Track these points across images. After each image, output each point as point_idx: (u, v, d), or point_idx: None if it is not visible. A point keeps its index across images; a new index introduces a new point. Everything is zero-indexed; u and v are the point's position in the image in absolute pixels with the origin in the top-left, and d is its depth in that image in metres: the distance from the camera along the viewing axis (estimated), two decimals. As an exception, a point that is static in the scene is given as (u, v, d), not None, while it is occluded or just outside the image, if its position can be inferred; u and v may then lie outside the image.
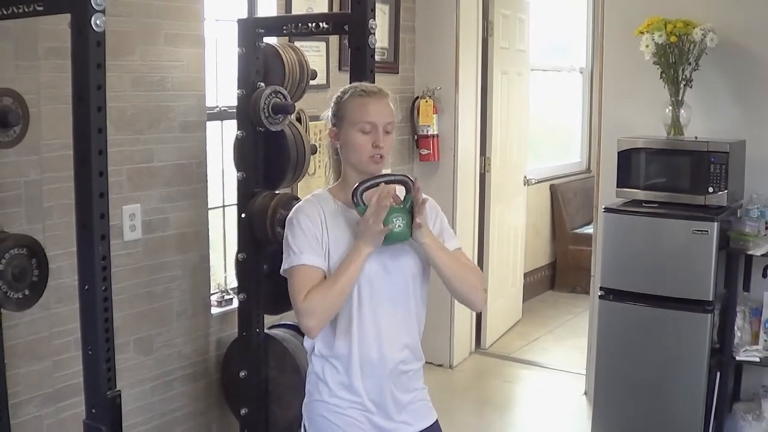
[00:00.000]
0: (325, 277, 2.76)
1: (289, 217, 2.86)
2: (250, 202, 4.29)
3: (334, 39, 5.50)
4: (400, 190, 2.81)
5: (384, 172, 2.87)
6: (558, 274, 9.32)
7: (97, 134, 2.58)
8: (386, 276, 2.81)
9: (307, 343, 2.93)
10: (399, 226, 2.70)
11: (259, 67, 4.30)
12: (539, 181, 8.64)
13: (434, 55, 6.48)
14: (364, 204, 2.70)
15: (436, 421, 3.00)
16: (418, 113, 6.44)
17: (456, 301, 6.32)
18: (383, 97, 2.87)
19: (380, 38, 5.90)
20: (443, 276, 2.84)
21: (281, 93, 4.20)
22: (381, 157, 2.80)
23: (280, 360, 4.42)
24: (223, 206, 5.06)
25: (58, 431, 3.96)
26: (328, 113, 2.94)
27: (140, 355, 4.35)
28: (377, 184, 2.75)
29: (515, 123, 7.50)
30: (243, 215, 4.33)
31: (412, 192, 2.73)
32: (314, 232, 2.78)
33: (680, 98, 5.00)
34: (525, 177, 7.87)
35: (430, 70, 6.50)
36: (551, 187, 9.22)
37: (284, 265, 2.82)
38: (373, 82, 3.55)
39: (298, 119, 4.57)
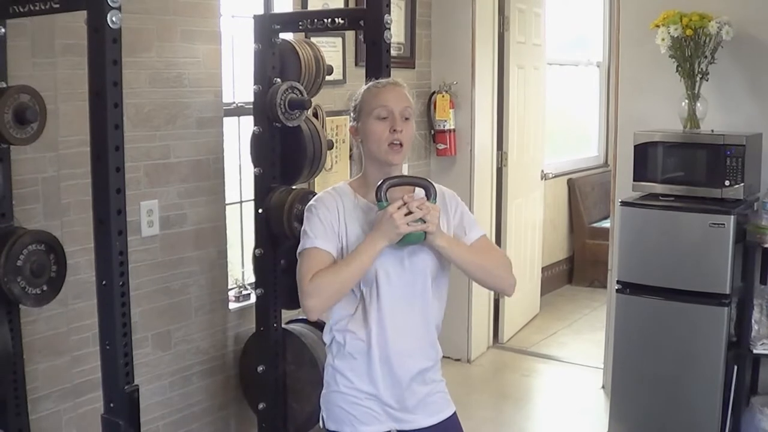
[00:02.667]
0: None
1: (308, 205, 2.87)
2: (267, 197, 4.31)
3: (350, 34, 5.50)
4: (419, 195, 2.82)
5: (404, 168, 2.89)
6: (576, 269, 9.30)
7: (114, 130, 2.59)
8: (404, 272, 2.82)
9: (325, 336, 2.95)
10: (416, 229, 2.71)
11: (276, 62, 4.31)
12: (557, 176, 8.64)
13: (450, 49, 6.47)
14: (387, 201, 2.71)
15: (454, 413, 3.01)
16: (435, 108, 6.44)
17: (473, 296, 6.42)
18: (398, 86, 2.90)
19: (396, 33, 5.92)
20: (468, 273, 2.88)
21: (297, 88, 4.22)
22: (400, 145, 2.81)
23: (297, 355, 4.44)
24: (241, 202, 5.07)
25: (76, 426, 3.99)
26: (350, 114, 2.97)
27: (158, 351, 4.37)
28: (404, 184, 2.78)
29: (532, 117, 7.49)
30: (260, 211, 4.35)
31: (432, 198, 2.75)
32: (330, 221, 2.79)
33: (696, 91, 4.98)
34: (542, 171, 7.87)
35: (447, 65, 6.49)
36: (569, 181, 9.21)
37: (298, 249, 2.83)
38: (389, 77, 3.56)
39: (315, 114, 4.58)
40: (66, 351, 3.91)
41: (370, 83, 2.95)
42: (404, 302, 2.83)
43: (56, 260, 3.30)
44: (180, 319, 4.47)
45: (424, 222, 2.69)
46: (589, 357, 6.69)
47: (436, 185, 2.86)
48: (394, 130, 2.79)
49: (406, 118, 2.83)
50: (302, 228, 2.84)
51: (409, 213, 2.67)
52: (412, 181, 2.84)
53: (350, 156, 5.44)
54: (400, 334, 2.82)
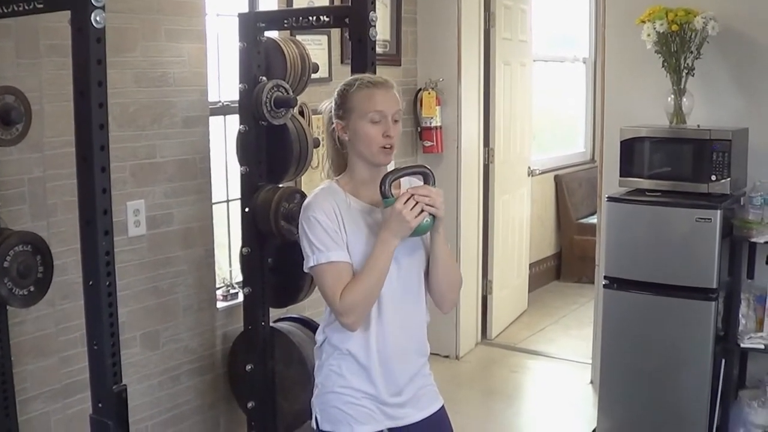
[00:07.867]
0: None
1: (304, 212, 2.82)
2: (254, 196, 4.30)
3: (335, 32, 5.50)
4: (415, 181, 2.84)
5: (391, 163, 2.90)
6: (563, 264, 9.32)
7: (99, 130, 2.57)
8: (401, 272, 2.82)
9: (318, 335, 2.95)
10: (425, 219, 2.71)
11: (261, 61, 4.30)
12: (543, 172, 8.65)
13: (436, 46, 6.48)
14: (393, 196, 2.70)
15: (443, 406, 3.02)
16: (421, 105, 6.44)
17: (461, 294, 6.41)
18: (390, 87, 2.87)
19: (382, 30, 5.91)
20: (436, 272, 2.87)
21: (283, 87, 4.21)
22: (391, 147, 2.80)
23: (286, 353, 4.44)
24: (227, 201, 5.06)
25: (65, 427, 3.98)
26: (330, 106, 2.91)
27: (147, 350, 4.36)
28: (404, 175, 2.79)
29: (518, 114, 7.50)
30: (247, 209, 4.34)
31: (431, 183, 2.75)
32: (334, 228, 2.76)
33: (682, 87, 5.00)
34: (529, 168, 7.87)
35: (433, 62, 6.50)
36: (556, 177, 9.22)
37: (309, 263, 2.78)
38: (375, 74, 3.54)
39: (301, 113, 4.58)
40: (54, 352, 3.90)
41: (360, 80, 2.87)
42: (403, 300, 2.84)
43: (43, 261, 3.29)
44: (168, 318, 4.46)
45: (433, 207, 2.70)
46: (577, 352, 6.71)
47: None
48: (387, 135, 2.79)
49: (396, 120, 2.83)
50: (305, 236, 2.80)
51: (416, 204, 2.67)
52: (411, 171, 2.83)
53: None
54: (400, 332, 2.83)
